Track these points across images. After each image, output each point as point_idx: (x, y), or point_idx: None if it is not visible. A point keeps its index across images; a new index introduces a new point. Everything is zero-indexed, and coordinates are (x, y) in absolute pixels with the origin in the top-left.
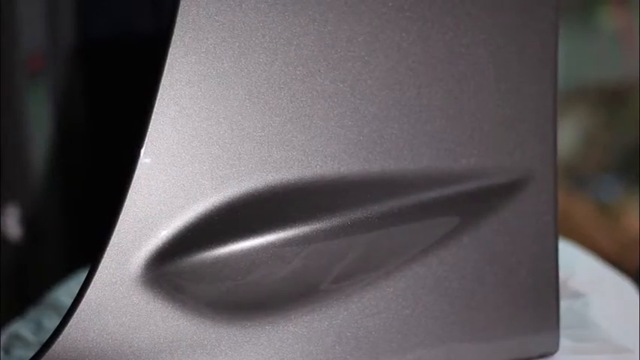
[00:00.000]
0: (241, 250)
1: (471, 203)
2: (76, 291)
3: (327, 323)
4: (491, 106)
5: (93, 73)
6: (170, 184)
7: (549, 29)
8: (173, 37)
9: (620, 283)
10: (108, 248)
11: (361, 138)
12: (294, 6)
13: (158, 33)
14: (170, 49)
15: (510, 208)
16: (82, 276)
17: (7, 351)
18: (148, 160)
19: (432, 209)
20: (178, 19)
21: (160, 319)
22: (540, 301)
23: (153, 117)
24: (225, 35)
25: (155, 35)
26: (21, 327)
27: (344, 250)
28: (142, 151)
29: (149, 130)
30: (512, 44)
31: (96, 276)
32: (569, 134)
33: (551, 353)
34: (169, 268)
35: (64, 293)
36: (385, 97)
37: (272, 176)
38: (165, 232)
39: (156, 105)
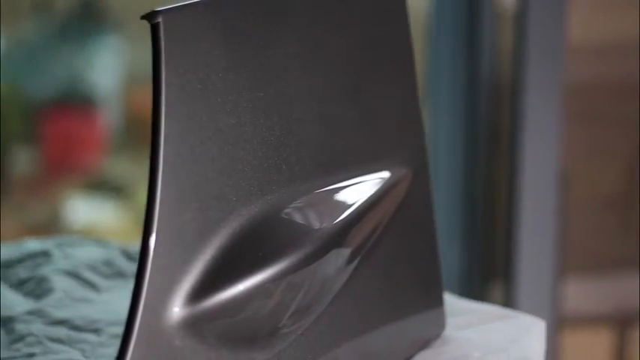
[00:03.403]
0: (238, 289)
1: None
2: None
3: None
4: (365, 113)
5: None
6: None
7: (404, 34)
8: None
9: None
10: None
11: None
12: None
13: None
14: None
15: (404, 203)
16: None
17: None
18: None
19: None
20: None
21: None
22: (427, 282)
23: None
24: None
25: None
26: None
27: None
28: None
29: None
30: (374, 53)
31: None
32: None
33: (440, 333)
34: (196, 310)
35: None
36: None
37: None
38: (188, 278)
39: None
